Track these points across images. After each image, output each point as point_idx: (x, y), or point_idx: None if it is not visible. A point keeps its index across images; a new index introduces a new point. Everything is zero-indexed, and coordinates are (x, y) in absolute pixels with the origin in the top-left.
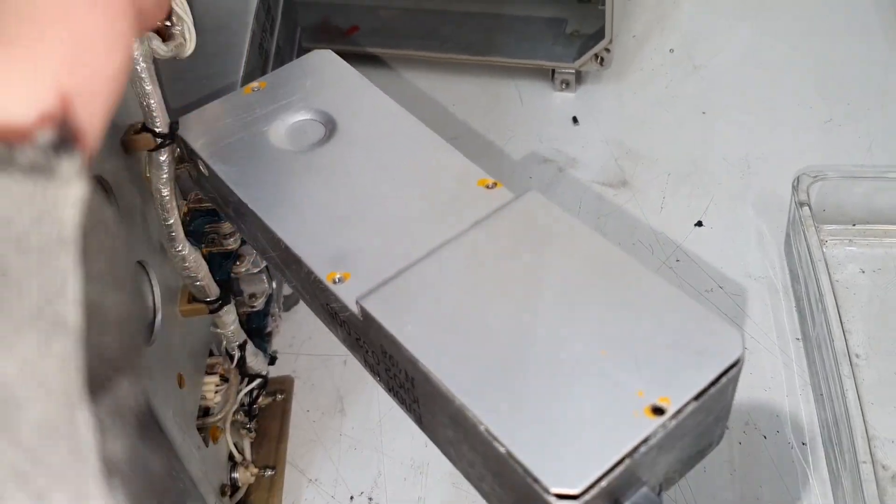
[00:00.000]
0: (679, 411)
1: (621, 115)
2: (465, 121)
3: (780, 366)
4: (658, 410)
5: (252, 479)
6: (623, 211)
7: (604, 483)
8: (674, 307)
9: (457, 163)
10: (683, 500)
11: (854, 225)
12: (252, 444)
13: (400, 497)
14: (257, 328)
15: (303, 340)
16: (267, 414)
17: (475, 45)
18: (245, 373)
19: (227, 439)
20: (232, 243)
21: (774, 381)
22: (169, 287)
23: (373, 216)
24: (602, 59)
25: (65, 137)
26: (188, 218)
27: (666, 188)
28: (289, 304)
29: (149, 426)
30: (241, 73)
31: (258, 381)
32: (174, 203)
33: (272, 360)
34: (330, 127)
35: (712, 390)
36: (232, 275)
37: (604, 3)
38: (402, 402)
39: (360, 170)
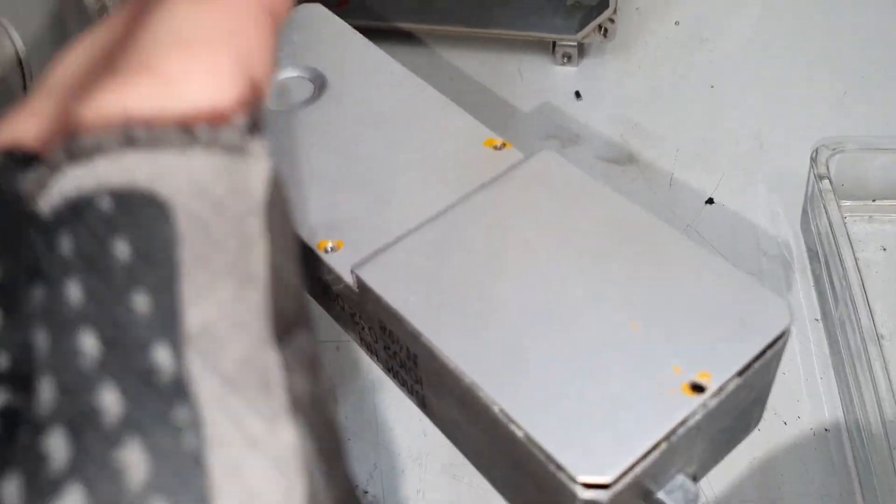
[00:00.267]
0: (721, 388)
1: (626, 89)
2: (463, 97)
3: (798, 347)
4: (697, 388)
5: None
6: (630, 189)
7: (637, 470)
8: (711, 273)
9: (461, 122)
10: (700, 490)
11: (874, 200)
12: None
13: (397, 490)
14: None
15: None
16: None
17: (472, 18)
18: None
19: None
20: None
21: (793, 364)
22: None
23: (368, 180)
24: (606, 30)
25: (255, 121)
26: None
27: (675, 165)
28: None
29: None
30: None
31: None
32: None
33: None
34: (319, 83)
35: (756, 365)
36: None
37: None
38: (402, 383)
39: (352, 129)
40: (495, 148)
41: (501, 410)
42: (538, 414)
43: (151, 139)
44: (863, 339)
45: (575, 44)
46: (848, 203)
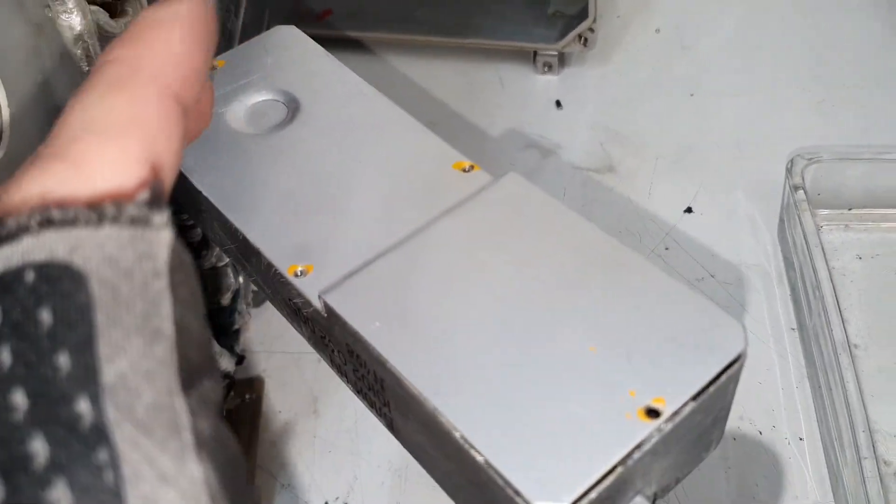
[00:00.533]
0: (675, 413)
1: (606, 98)
2: (443, 106)
3: (774, 357)
4: (652, 412)
5: None
6: (610, 197)
7: (593, 494)
8: (668, 297)
9: (430, 145)
10: (675, 500)
11: (850, 209)
12: None
13: (377, 502)
14: (223, 326)
15: (274, 338)
16: (236, 416)
17: (453, 27)
18: None
19: None
20: (194, 236)
21: (769, 374)
22: None
23: (338, 203)
24: (586, 39)
25: (156, 197)
26: None
27: (654, 173)
28: (258, 300)
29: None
30: None
31: (224, 381)
32: None
33: (240, 360)
34: (292, 107)
35: (712, 389)
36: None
37: None
38: (371, 405)
39: (324, 153)
40: (463, 170)
41: (462, 436)
42: (497, 439)
43: (66, 218)
44: (834, 350)
45: (555, 53)
46: (825, 212)
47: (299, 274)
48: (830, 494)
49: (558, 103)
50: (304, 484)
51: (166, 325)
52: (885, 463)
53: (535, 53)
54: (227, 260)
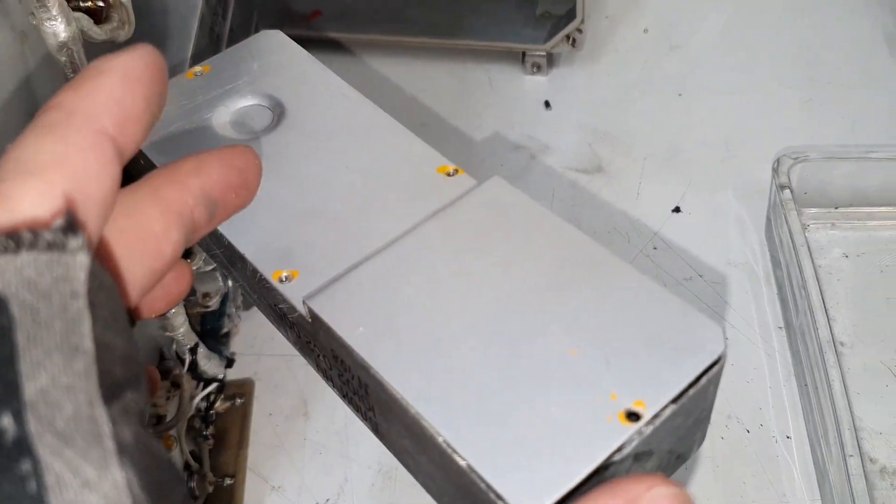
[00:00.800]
0: (656, 416)
1: (595, 98)
2: (432, 107)
3: (762, 356)
4: (633, 415)
5: (210, 489)
6: (598, 198)
7: (575, 498)
8: (648, 300)
9: (415, 149)
10: None
11: (836, 208)
12: (210, 451)
13: None
14: (212, 329)
15: (264, 340)
16: (225, 419)
17: (442, 28)
18: (199, 377)
19: (182, 448)
20: None
21: (757, 373)
22: None
23: (323, 208)
24: (574, 40)
25: (70, 224)
26: None
27: (642, 173)
28: (248, 303)
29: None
30: (189, 59)
31: (214, 385)
32: None
33: (229, 363)
34: (278, 112)
35: (692, 391)
36: None
37: None
38: (357, 409)
39: (309, 158)
40: (447, 174)
41: (444, 441)
42: (480, 444)
43: None
44: (820, 348)
45: (544, 54)
46: (811, 210)
47: (284, 279)
48: (818, 492)
49: (547, 104)
50: (295, 486)
51: (85, 342)
52: (870, 460)
53: (524, 54)
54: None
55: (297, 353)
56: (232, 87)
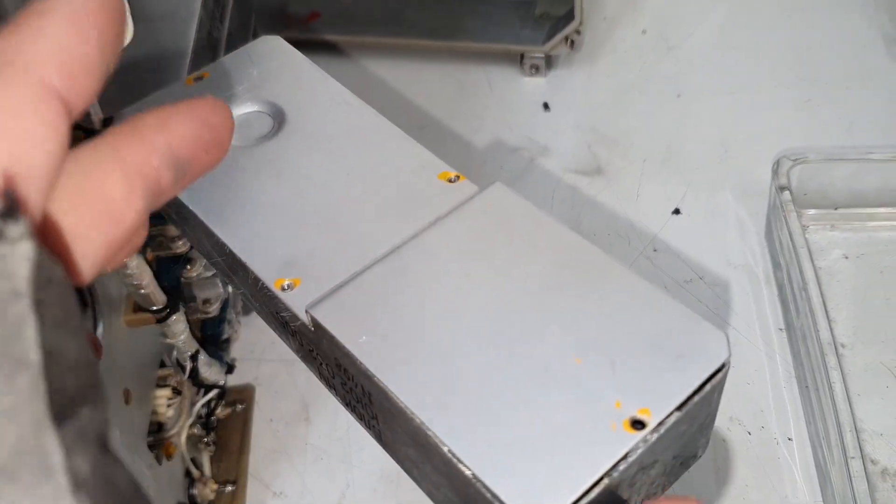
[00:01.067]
0: (661, 424)
1: (594, 100)
2: (431, 109)
3: (763, 358)
4: (637, 423)
5: (212, 496)
6: (598, 200)
7: None
8: (652, 307)
9: (416, 155)
10: None
11: (836, 209)
12: (211, 458)
13: None
14: (213, 335)
15: (264, 346)
16: (227, 426)
17: (441, 30)
18: (200, 384)
19: (183, 455)
20: (181, 246)
21: (758, 375)
22: (111, 296)
23: (325, 216)
24: (572, 41)
25: (10, 207)
26: None
27: (642, 175)
28: (248, 308)
29: (111, 443)
30: (188, 64)
31: (215, 391)
32: None
33: (230, 369)
34: (278, 119)
35: (696, 398)
36: (183, 280)
37: None
38: (360, 418)
39: (310, 165)
40: (449, 181)
41: (449, 450)
42: (484, 453)
43: None
44: (821, 350)
45: (543, 55)
46: (811, 212)
47: (286, 288)
48: (819, 494)
49: (546, 105)
50: (297, 492)
51: (30, 352)
52: (871, 462)
53: (523, 56)
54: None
55: (297, 358)
56: (232, 94)
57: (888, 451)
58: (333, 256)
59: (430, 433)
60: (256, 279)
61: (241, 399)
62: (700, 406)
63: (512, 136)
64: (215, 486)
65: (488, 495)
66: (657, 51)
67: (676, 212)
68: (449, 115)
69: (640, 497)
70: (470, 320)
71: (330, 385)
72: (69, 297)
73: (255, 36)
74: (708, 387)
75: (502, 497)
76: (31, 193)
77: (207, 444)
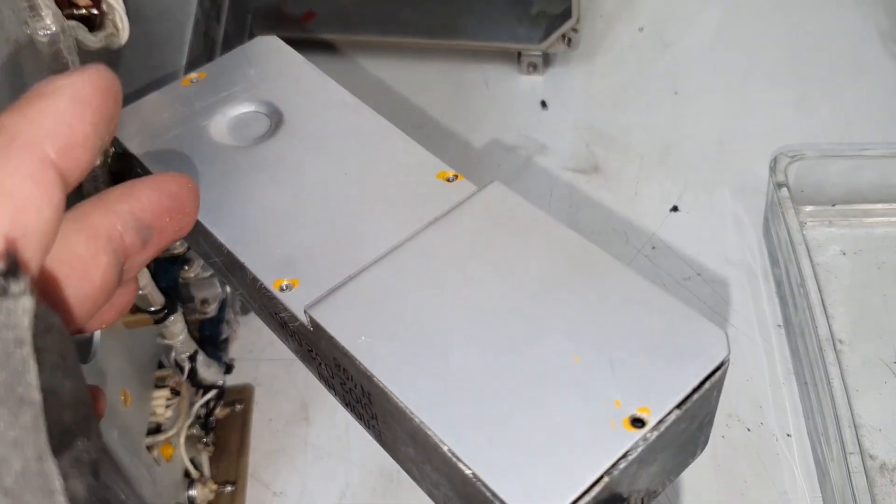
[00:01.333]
0: (660, 422)
1: (591, 97)
2: (429, 109)
3: (761, 354)
4: (637, 422)
5: (212, 496)
6: (596, 198)
7: None
8: (651, 305)
9: (414, 155)
10: (665, 498)
11: (833, 205)
12: (210, 458)
13: None
14: (211, 336)
15: (263, 346)
16: (226, 426)
17: (437, 29)
18: (199, 384)
19: (182, 455)
20: (179, 247)
21: (756, 371)
22: None
23: (323, 216)
24: (569, 39)
25: (11, 267)
26: None
27: (639, 173)
28: (246, 308)
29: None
30: (184, 64)
31: (213, 391)
32: None
33: (228, 369)
34: (275, 119)
35: (696, 396)
36: (181, 280)
37: None
38: (360, 417)
39: (308, 165)
40: (447, 180)
41: (449, 450)
42: (484, 452)
43: None
44: (819, 346)
45: (540, 53)
46: (808, 208)
47: (285, 288)
48: (818, 490)
49: (543, 104)
50: (297, 492)
51: (32, 392)
52: (870, 457)
53: (520, 54)
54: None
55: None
56: (228, 94)
57: (887, 446)
58: (332, 256)
59: (429, 433)
60: (255, 279)
61: (240, 399)
62: (700, 404)
63: (509, 134)
64: (215, 487)
65: (488, 494)
66: (654, 48)
67: (674, 209)
68: (446, 113)
69: (640, 495)
70: (469, 319)
71: (329, 385)
72: (66, 342)
73: (252, 36)
74: (707, 384)
75: (502, 496)
76: (30, 254)
77: (206, 444)
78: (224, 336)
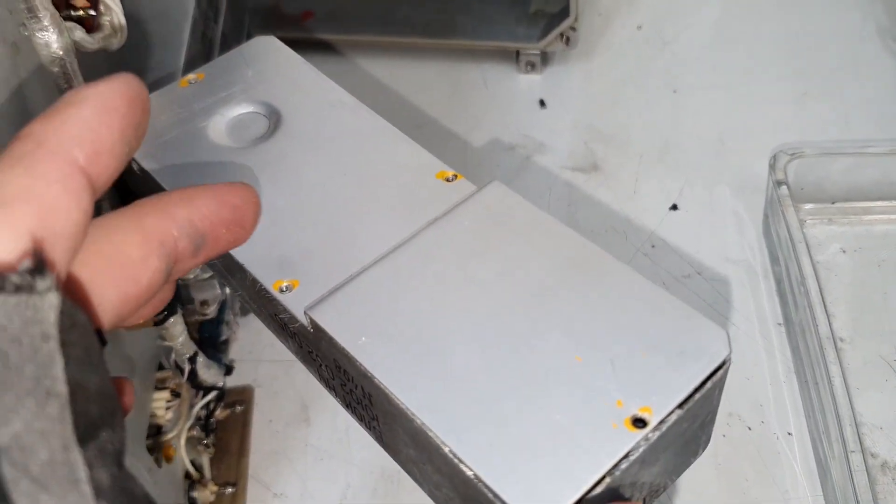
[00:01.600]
0: (662, 422)
1: (590, 96)
2: (427, 108)
3: (762, 353)
4: (639, 422)
5: (212, 498)
6: (595, 197)
7: None
8: (652, 304)
9: (413, 155)
10: (666, 497)
11: (833, 203)
12: (211, 460)
13: None
14: (211, 337)
15: (263, 347)
16: (226, 427)
17: (435, 28)
18: (199, 385)
19: (183, 457)
20: None
21: (757, 370)
22: None
23: (322, 217)
24: (568, 38)
25: (38, 265)
26: None
27: (638, 171)
28: (246, 309)
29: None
30: (182, 65)
31: (213, 393)
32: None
33: (228, 371)
34: (274, 120)
35: (697, 396)
36: (180, 281)
37: None
38: (360, 419)
39: (307, 166)
40: (447, 180)
41: (450, 451)
42: (486, 453)
43: None
44: (820, 344)
45: (538, 52)
46: (808, 206)
47: (284, 289)
48: (819, 488)
49: (542, 102)
50: (297, 493)
51: (58, 385)
52: (871, 455)
53: (518, 53)
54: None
55: (296, 359)
56: (227, 95)
57: (888, 444)
58: (331, 257)
59: (430, 434)
60: (254, 281)
61: (240, 400)
62: (701, 403)
63: (508, 133)
64: (215, 489)
65: (490, 495)
66: (652, 46)
67: (674, 207)
68: (445, 113)
69: (641, 495)
70: (469, 320)
71: (329, 386)
72: (91, 337)
73: (250, 36)
74: (709, 384)
75: (504, 497)
76: (58, 255)
77: (207, 446)
78: (224, 338)
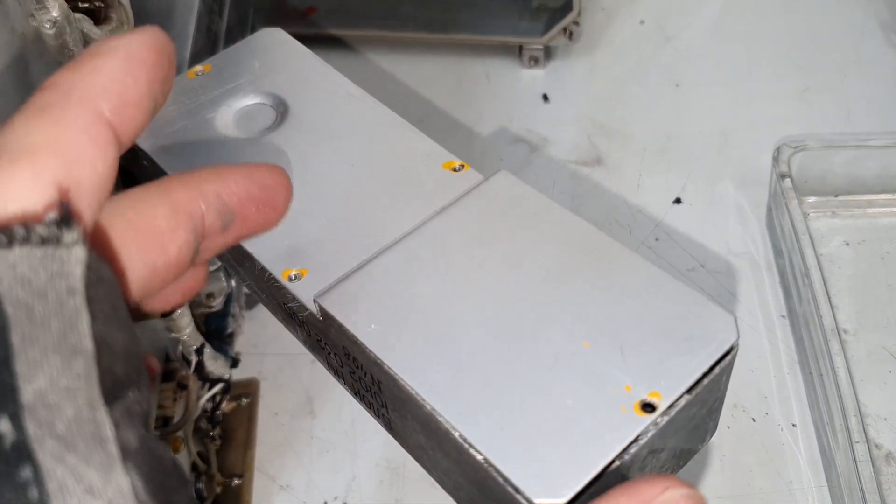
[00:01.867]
0: (671, 406)
1: (593, 90)
2: (431, 102)
3: (766, 345)
4: (648, 406)
5: (219, 490)
6: (598, 190)
7: (592, 489)
8: (659, 290)
9: (420, 145)
10: None
11: (836, 196)
12: (217, 452)
13: (376, 500)
14: (217, 330)
15: (268, 340)
16: (232, 419)
17: (438, 23)
18: (206, 378)
19: (190, 449)
20: None
21: (761, 361)
22: None
23: (330, 206)
24: (571, 32)
25: (65, 217)
26: None
27: (642, 165)
28: (251, 302)
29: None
30: (188, 58)
31: (220, 385)
32: None
33: (234, 363)
34: (281, 110)
35: (706, 381)
36: None
37: None
38: (369, 406)
39: (315, 155)
40: (454, 170)
41: (460, 436)
42: (496, 438)
43: None
44: (824, 336)
45: (541, 47)
46: (811, 199)
47: (293, 278)
48: (824, 479)
49: (545, 97)
50: (303, 484)
51: (85, 341)
52: (876, 446)
53: (521, 47)
54: (219, 264)
55: (301, 351)
56: (234, 86)
57: (892, 435)
58: (340, 246)
59: (440, 419)
60: (263, 270)
61: (245, 393)
62: (710, 389)
63: (512, 128)
64: (222, 480)
65: (500, 480)
66: (655, 41)
67: (677, 201)
68: (448, 108)
69: None
70: (478, 307)
71: (338, 375)
72: (117, 294)
73: (254, 30)
74: (717, 369)
75: (514, 481)
76: (83, 206)
77: (213, 438)
78: (230, 330)
